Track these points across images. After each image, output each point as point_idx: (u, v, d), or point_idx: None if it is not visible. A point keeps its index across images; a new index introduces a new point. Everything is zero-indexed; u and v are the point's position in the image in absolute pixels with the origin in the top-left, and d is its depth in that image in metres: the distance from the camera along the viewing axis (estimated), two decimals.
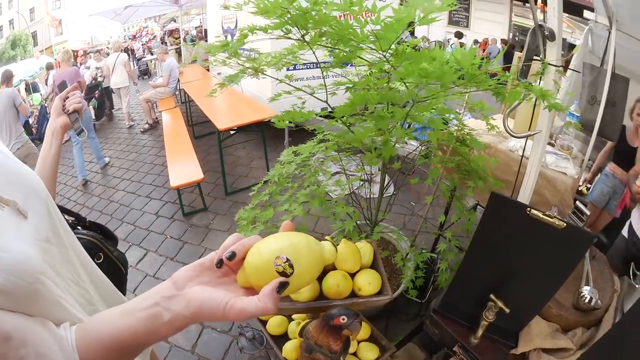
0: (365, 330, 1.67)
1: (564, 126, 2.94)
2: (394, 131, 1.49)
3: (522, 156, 1.78)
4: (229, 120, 4.41)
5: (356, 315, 1.15)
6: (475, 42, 14.47)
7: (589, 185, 3.92)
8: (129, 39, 20.91)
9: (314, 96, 1.67)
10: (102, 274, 0.86)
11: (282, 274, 0.54)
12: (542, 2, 5.71)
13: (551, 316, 1.47)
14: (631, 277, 1.70)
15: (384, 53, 1.27)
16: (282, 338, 1.77)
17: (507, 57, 8.74)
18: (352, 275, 1.25)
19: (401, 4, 1.18)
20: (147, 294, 0.55)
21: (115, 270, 1.29)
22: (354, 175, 2.03)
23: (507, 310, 1.26)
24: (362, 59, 1.47)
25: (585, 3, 5.72)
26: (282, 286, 0.53)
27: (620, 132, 3.41)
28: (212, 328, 2.63)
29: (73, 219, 1.34)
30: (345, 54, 1.45)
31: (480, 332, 1.36)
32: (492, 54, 11.93)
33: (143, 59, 14.71)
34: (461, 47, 13.37)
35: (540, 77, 1.55)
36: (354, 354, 1.63)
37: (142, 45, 18.79)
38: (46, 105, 8.28)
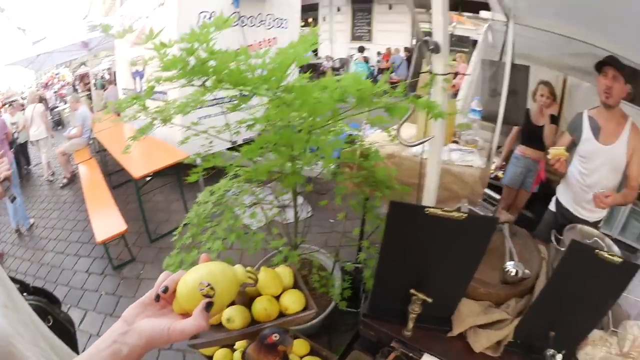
0: (304, 346, 1.80)
1: (457, 127, 3.24)
2: (301, 158, 1.65)
3: (421, 160, 1.97)
4: (144, 167, 4.47)
5: (286, 331, 1.29)
6: (379, 53, 15.23)
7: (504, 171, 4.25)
8: (42, 87, 20.10)
9: (218, 137, 1.80)
10: (55, 336, 0.96)
11: (206, 296, 0.72)
12: (455, 12, 6.20)
13: (480, 295, 1.63)
14: (555, 242, 1.91)
15: (276, 91, 1.44)
16: None
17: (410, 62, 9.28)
18: (278, 298, 1.40)
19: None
20: (104, 336, 0.66)
21: (66, 332, 1.35)
22: (269, 205, 2.16)
23: (430, 300, 1.40)
24: (260, 94, 1.63)
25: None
26: (209, 305, 0.70)
27: (524, 116, 3.77)
28: None
29: (18, 285, 1.37)
30: (244, 95, 1.60)
31: (411, 325, 1.50)
32: (396, 63, 12.56)
33: (56, 109, 14.21)
34: (365, 61, 13.91)
35: (430, 88, 1.71)
36: None
37: (55, 93, 18.11)
38: None
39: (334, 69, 16.43)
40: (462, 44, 12.35)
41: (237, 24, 5.34)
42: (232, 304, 1.33)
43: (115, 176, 6.56)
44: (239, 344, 1.80)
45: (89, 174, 5.59)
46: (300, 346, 1.75)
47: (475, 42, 8.01)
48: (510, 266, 1.68)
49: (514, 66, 3.52)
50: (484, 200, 2.19)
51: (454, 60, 8.80)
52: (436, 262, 1.42)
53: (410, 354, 1.50)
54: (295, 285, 1.49)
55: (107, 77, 13.44)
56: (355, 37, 17.73)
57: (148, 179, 4.80)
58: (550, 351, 1.36)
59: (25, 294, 1.39)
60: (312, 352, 1.83)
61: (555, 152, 2.48)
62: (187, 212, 1.95)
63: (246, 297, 1.39)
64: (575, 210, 2.73)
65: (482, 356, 1.50)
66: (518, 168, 3.94)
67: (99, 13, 19.53)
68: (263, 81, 1.38)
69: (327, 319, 2.25)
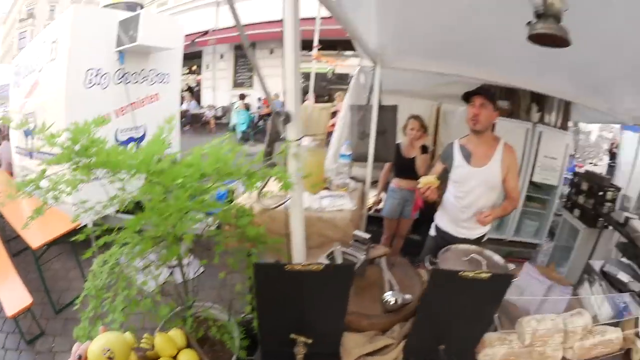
0: None
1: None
2: (178, 225, 1.83)
3: (286, 214, 2.08)
4: (41, 236, 4.34)
5: None
6: (259, 99, 15.74)
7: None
8: None
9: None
10: None
11: (110, 358, 1.12)
12: (317, 52, 6.66)
13: (365, 327, 1.84)
14: (430, 266, 2.15)
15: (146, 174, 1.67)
16: None
17: None
18: (176, 358, 1.56)
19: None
20: None
21: None
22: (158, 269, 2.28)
23: (310, 341, 1.54)
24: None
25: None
26: None
27: (395, 151, 4.09)
28: None
29: None
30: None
31: None
32: (276, 108, 13.04)
33: None
34: (245, 108, 14.21)
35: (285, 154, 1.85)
36: None
37: None
38: None
39: (216, 118, 16.74)
40: (342, 82, 13.02)
41: (121, 81, 5.50)
42: None
43: (14, 243, 6.14)
44: None
45: None
46: None
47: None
48: (389, 296, 1.92)
49: (382, 107, 3.81)
50: (355, 240, 2.42)
51: (334, 99, 9.33)
52: (308, 307, 1.56)
53: None
54: (189, 345, 1.65)
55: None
56: (237, 84, 18.22)
57: (44, 247, 4.64)
58: None
59: None
60: None
61: (426, 180, 2.64)
62: (85, 279, 2.01)
63: None
64: (455, 231, 2.92)
65: None
66: (395, 200, 4.26)
67: None
68: (136, 167, 1.59)
69: None
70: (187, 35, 8.00)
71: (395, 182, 4.32)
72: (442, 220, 3.04)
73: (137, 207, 1.97)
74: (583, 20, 2.04)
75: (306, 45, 6.81)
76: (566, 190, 5.43)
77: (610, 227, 4.17)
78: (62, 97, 4.91)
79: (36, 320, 4.06)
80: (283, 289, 1.52)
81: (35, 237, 4.33)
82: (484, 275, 1.44)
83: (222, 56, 18.79)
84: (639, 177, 5.79)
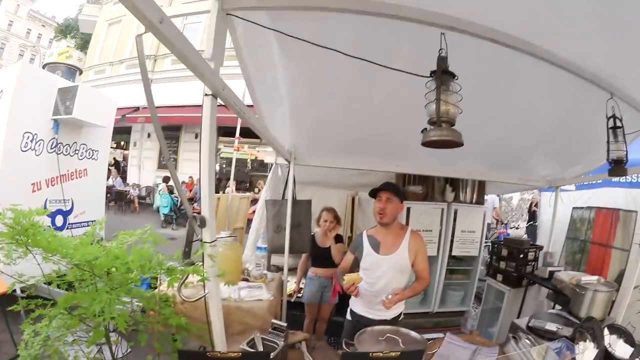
0: None
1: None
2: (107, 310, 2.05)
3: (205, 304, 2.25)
4: None
5: None
6: (183, 183, 15.58)
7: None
8: None
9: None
10: None
11: None
12: (237, 143, 6.92)
13: None
14: (346, 348, 2.35)
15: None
16: None
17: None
18: None
19: None
20: None
21: None
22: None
23: None
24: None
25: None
26: None
27: (311, 241, 4.42)
28: None
29: None
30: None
31: None
32: (198, 194, 13.13)
33: None
34: (169, 191, 14.05)
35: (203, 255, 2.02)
36: None
37: None
38: None
39: (140, 198, 16.55)
40: (264, 169, 13.45)
41: (53, 151, 5.59)
42: None
43: None
44: None
45: None
46: None
47: None
48: None
49: (296, 202, 4.14)
50: (273, 328, 2.64)
51: (255, 187, 9.69)
52: None
53: None
54: None
55: None
56: (162, 166, 18.19)
57: None
58: None
59: None
60: None
61: (350, 277, 2.77)
62: (15, 344, 2.11)
63: None
64: (370, 314, 3.01)
65: None
66: (314, 287, 4.47)
67: None
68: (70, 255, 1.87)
69: None
70: (118, 109, 8.18)
71: (312, 271, 4.55)
72: (356, 306, 3.14)
73: (69, 286, 2.16)
74: (493, 101, 2.57)
75: (231, 131, 7.19)
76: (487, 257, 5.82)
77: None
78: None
79: None
80: None
81: None
82: (393, 354, 1.62)
83: (149, 135, 18.89)
84: (559, 232, 5.92)
